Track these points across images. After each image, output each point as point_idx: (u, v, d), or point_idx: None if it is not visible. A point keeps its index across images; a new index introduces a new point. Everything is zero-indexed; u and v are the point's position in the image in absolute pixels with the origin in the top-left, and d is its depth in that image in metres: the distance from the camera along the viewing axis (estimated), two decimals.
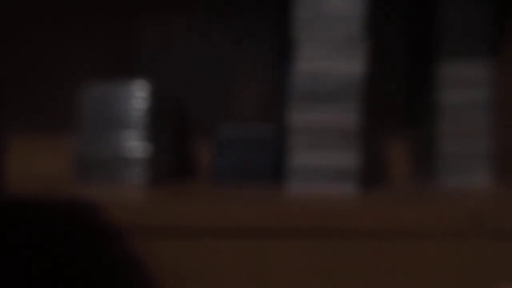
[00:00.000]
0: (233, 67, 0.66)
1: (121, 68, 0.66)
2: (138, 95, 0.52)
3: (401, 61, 0.66)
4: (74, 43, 0.66)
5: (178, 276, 0.38)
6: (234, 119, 0.66)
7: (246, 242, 0.38)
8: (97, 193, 0.40)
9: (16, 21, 0.66)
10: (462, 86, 0.56)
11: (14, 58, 0.66)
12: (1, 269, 0.36)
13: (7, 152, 0.63)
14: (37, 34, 0.66)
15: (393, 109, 0.66)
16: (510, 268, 0.39)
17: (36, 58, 0.66)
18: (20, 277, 0.36)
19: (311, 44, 0.46)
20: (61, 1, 0.66)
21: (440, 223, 0.38)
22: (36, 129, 0.66)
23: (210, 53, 0.66)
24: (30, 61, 0.66)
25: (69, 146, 0.66)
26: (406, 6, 0.66)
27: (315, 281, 0.38)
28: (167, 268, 0.38)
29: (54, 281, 0.37)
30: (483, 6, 0.56)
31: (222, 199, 0.38)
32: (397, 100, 0.66)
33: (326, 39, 0.46)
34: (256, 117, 0.66)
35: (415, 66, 0.64)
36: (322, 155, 0.45)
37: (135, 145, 0.52)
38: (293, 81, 0.46)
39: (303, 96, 0.46)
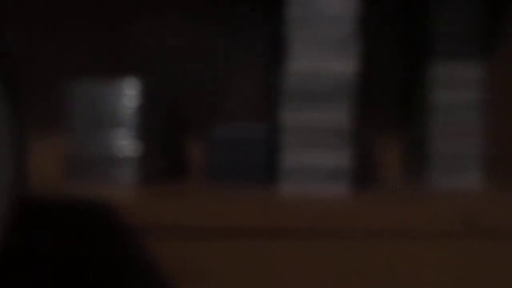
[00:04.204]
0: (226, 66, 0.66)
1: (113, 66, 0.66)
2: (129, 94, 0.52)
3: (393, 61, 0.66)
4: (64, 41, 0.66)
5: (170, 276, 0.37)
6: (227, 118, 0.66)
7: (238, 242, 0.38)
8: (88, 193, 0.40)
9: (4, 19, 0.66)
10: (454, 87, 0.56)
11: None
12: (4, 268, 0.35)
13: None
14: (26, 32, 0.66)
15: (385, 109, 0.66)
16: (502, 268, 0.39)
17: (25, 56, 0.66)
18: (17, 276, 0.36)
19: (303, 43, 0.45)
20: (49, 0, 0.66)
21: (432, 223, 0.38)
22: (26, 128, 0.66)
23: (203, 52, 0.66)
24: (19, 59, 0.66)
25: (60, 145, 0.66)
26: (399, 6, 0.66)
27: (307, 281, 0.38)
28: (159, 267, 0.37)
29: (47, 280, 0.37)
30: (475, 7, 0.56)
31: (214, 199, 0.38)
32: (389, 100, 0.66)
33: (318, 39, 0.46)
34: (249, 116, 0.66)
35: (407, 66, 0.64)
36: (314, 154, 0.45)
37: (126, 144, 0.51)
38: (286, 81, 0.46)
39: (295, 96, 0.45)
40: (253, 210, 0.37)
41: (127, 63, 0.66)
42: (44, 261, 0.37)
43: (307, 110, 0.45)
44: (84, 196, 0.37)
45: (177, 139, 0.66)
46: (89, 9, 0.66)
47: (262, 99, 0.66)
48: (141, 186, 0.49)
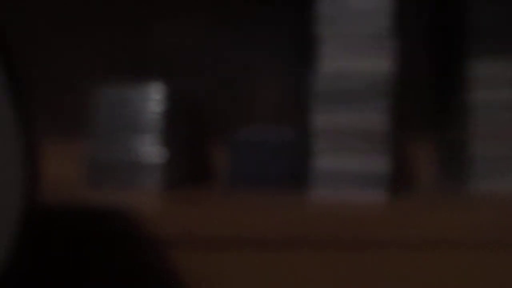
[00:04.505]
0: (251, 67, 0.65)
1: (136, 70, 0.66)
2: (153, 98, 0.52)
3: (428, 58, 0.65)
4: (87, 44, 0.67)
5: (194, 287, 0.37)
6: (253, 121, 0.65)
7: (267, 253, 0.37)
8: (110, 200, 0.39)
9: (28, 22, 0.67)
10: (495, 85, 0.54)
11: (26, 60, 0.67)
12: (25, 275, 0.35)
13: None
14: (49, 35, 0.67)
15: (420, 110, 0.65)
16: None
17: (48, 60, 0.67)
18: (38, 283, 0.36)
19: (335, 41, 0.44)
20: (74, 2, 0.67)
21: (475, 231, 0.37)
22: (49, 133, 0.67)
23: (227, 53, 0.66)
24: (42, 63, 0.67)
25: (82, 151, 0.66)
26: (435, 0, 0.65)
27: None
28: (183, 278, 0.37)
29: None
30: None
31: (241, 207, 0.38)
32: (424, 100, 0.65)
33: (351, 36, 0.44)
34: (276, 119, 0.65)
35: (443, 63, 0.63)
36: (347, 159, 0.44)
37: (150, 149, 0.51)
38: (316, 81, 0.44)
39: (326, 97, 0.44)
40: (282, 219, 0.36)
41: (152, 67, 0.66)
42: (63, 271, 0.37)
43: (339, 111, 0.44)
44: (106, 204, 0.37)
45: (202, 144, 0.66)
46: (113, 11, 0.67)
47: (290, 100, 0.65)
48: (165, 193, 0.49)
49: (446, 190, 0.57)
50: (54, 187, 0.55)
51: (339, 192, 0.44)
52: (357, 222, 0.37)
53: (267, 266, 0.37)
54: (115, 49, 0.67)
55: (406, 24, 0.65)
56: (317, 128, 0.44)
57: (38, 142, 0.63)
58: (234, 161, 0.54)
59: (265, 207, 0.37)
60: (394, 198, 0.45)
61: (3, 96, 0.18)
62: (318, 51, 0.45)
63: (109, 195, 0.45)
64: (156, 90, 0.52)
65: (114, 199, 0.41)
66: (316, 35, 0.45)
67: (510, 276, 0.37)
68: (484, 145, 0.54)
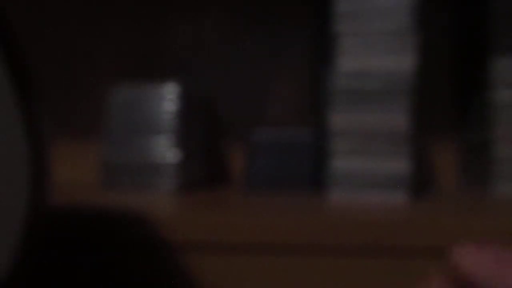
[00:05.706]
0: (268, 66, 0.64)
1: (151, 70, 0.66)
2: (168, 98, 0.51)
3: (449, 57, 0.63)
4: (101, 44, 0.66)
5: None
6: (270, 121, 0.64)
7: (284, 258, 0.36)
8: (124, 202, 0.39)
9: (41, 22, 0.67)
10: None
11: (39, 61, 0.67)
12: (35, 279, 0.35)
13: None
14: (63, 36, 0.67)
15: (441, 110, 0.63)
16: None
17: (61, 60, 0.67)
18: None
19: (354, 38, 0.43)
20: (88, 2, 0.67)
21: (499, 236, 0.35)
22: (62, 134, 0.67)
23: (243, 52, 0.65)
24: (56, 64, 0.67)
25: (96, 152, 0.66)
26: None
27: None
28: (197, 283, 0.36)
29: None
30: None
31: (258, 210, 0.36)
32: (446, 100, 0.63)
33: (371, 33, 0.43)
34: (293, 119, 0.64)
35: (465, 62, 0.61)
36: (367, 160, 0.43)
37: (165, 150, 0.50)
38: (335, 80, 0.43)
39: (345, 96, 0.43)
40: (299, 223, 0.35)
41: (166, 66, 0.66)
42: (76, 275, 0.36)
43: (358, 111, 0.43)
44: (120, 206, 0.36)
45: (218, 144, 0.65)
46: (127, 12, 0.66)
47: (308, 100, 0.64)
48: (180, 194, 0.48)
49: (469, 193, 0.56)
50: (68, 189, 0.55)
51: (359, 195, 0.43)
52: (377, 225, 0.35)
53: (284, 271, 0.36)
54: (129, 49, 0.66)
55: (428, 22, 0.63)
56: (336, 129, 0.43)
57: (48, 143, 0.64)
58: (251, 163, 0.53)
59: (283, 211, 0.36)
60: (415, 201, 0.44)
61: (9, 96, 0.18)
62: (337, 49, 0.43)
63: (123, 196, 0.44)
64: (171, 90, 0.51)
65: (128, 201, 0.40)
66: (335, 33, 0.44)
67: None
68: (508, 147, 0.52)
